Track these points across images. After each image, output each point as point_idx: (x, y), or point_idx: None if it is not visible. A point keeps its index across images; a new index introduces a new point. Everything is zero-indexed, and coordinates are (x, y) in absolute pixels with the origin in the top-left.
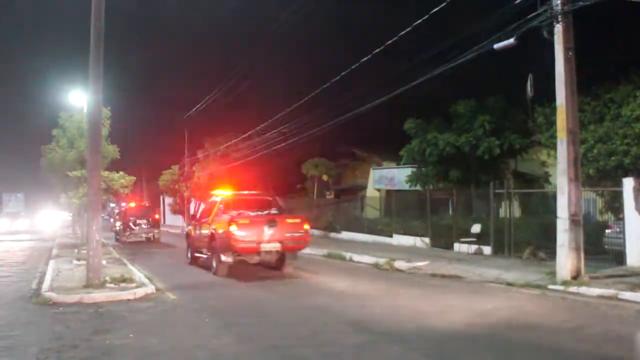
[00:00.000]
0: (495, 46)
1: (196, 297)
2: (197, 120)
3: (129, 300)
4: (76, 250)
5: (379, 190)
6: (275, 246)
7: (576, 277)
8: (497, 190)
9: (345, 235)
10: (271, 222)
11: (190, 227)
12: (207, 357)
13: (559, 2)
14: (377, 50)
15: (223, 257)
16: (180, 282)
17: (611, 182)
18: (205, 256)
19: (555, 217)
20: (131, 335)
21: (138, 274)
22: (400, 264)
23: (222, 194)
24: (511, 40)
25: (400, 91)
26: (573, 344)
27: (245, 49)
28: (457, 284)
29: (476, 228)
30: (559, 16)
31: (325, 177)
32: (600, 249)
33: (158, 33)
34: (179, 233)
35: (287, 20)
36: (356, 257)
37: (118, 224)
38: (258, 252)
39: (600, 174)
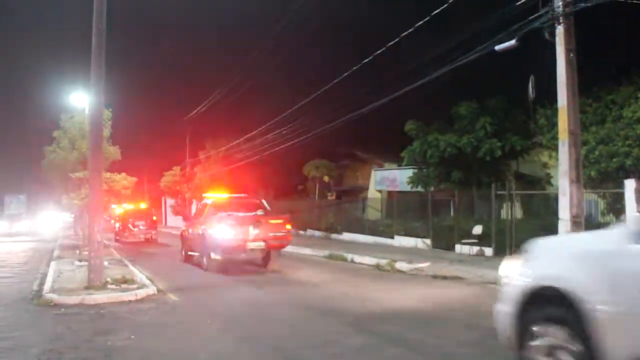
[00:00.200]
0: (497, 48)
1: (197, 298)
2: (198, 121)
3: (130, 301)
4: (78, 252)
5: (380, 191)
6: (260, 245)
7: None
8: (499, 192)
9: (347, 236)
10: (256, 223)
11: (184, 228)
12: (208, 359)
13: (560, 3)
14: (378, 52)
15: (213, 255)
16: (181, 283)
17: (613, 183)
18: (197, 254)
19: (557, 218)
20: (132, 337)
21: (139, 275)
22: (401, 265)
23: (213, 196)
24: (512, 42)
25: (401, 92)
26: None
27: (247, 50)
28: (458, 284)
29: (477, 229)
30: (561, 18)
31: (326, 179)
32: None
33: (160, 34)
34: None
35: (289, 21)
36: (357, 259)
37: (117, 224)
38: (244, 250)
39: (602, 176)
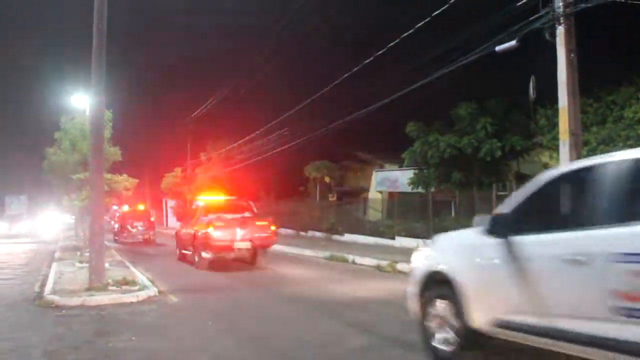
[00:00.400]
0: (497, 48)
1: (198, 300)
2: (199, 122)
3: (131, 303)
4: (79, 253)
5: (381, 192)
6: (247, 244)
7: None
8: (500, 193)
9: (348, 237)
10: (243, 224)
11: (179, 228)
12: None
13: (560, 4)
14: (379, 53)
15: (203, 254)
16: (182, 284)
17: None
18: (190, 252)
19: None
20: (133, 338)
21: (140, 276)
22: (402, 266)
23: (204, 199)
24: (513, 43)
25: (402, 93)
26: None
27: (248, 51)
28: None
29: None
30: (561, 18)
31: (327, 180)
32: None
33: (161, 35)
34: None
35: (289, 21)
36: (358, 260)
37: (116, 225)
38: (232, 250)
39: None
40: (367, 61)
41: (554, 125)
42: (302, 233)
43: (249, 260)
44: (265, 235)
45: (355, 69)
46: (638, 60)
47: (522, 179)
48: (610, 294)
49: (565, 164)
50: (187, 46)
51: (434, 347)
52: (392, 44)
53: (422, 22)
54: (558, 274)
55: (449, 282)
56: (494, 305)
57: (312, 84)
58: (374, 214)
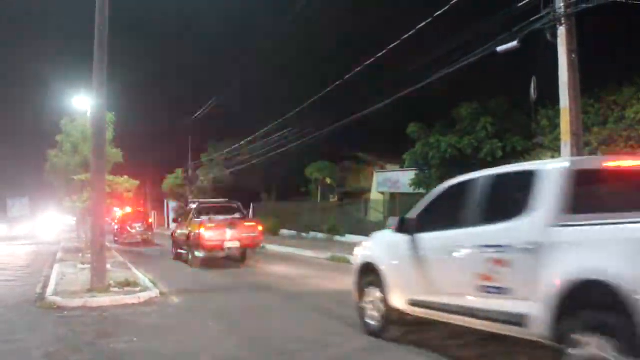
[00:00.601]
0: (498, 49)
1: (199, 301)
2: (201, 124)
3: (133, 304)
4: (81, 254)
5: (382, 193)
6: (236, 244)
7: None
8: None
9: (349, 238)
10: (232, 225)
11: (173, 229)
12: None
13: (562, 4)
14: (380, 54)
15: (196, 253)
16: (184, 285)
17: None
18: (184, 252)
19: None
20: (135, 339)
21: (142, 277)
22: None
23: (197, 201)
24: (514, 43)
25: (403, 94)
26: None
27: (250, 52)
28: None
29: None
30: (562, 19)
31: (328, 180)
32: None
33: (163, 36)
34: None
35: (290, 22)
36: None
37: (117, 226)
38: (222, 249)
39: None
40: (368, 62)
41: (555, 126)
42: (304, 234)
43: (239, 259)
44: (253, 235)
45: (357, 69)
46: (639, 61)
47: None
48: (475, 276)
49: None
50: (189, 47)
51: (367, 322)
52: (393, 44)
53: (424, 23)
54: (445, 262)
55: (376, 272)
56: (407, 288)
57: (313, 84)
58: (376, 214)
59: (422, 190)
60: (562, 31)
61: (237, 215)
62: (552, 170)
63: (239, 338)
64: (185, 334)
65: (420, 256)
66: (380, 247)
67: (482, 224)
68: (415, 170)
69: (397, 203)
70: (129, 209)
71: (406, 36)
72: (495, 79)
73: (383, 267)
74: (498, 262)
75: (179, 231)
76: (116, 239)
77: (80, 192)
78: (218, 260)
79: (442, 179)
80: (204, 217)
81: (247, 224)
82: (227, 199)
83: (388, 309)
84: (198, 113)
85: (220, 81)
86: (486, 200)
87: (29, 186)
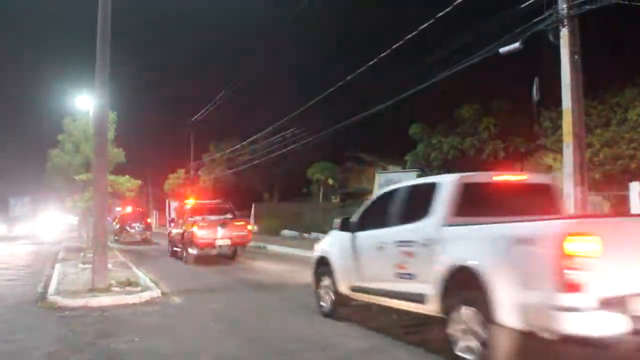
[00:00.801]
0: (501, 50)
1: (200, 301)
2: (203, 124)
3: (134, 304)
4: (82, 254)
5: None
6: (226, 242)
7: None
8: None
9: None
10: (223, 224)
11: (170, 228)
12: None
13: (564, 6)
14: (383, 54)
15: (190, 250)
16: (185, 285)
17: (617, 186)
18: (179, 249)
19: None
20: (136, 339)
21: (143, 277)
22: None
23: (192, 202)
24: (517, 44)
25: (405, 95)
26: None
27: (252, 52)
28: None
29: None
30: (565, 20)
31: (330, 181)
32: None
33: (165, 36)
34: None
35: (293, 22)
36: None
37: (117, 226)
38: (214, 246)
39: (607, 178)
40: (371, 63)
41: (557, 128)
42: (306, 235)
43: (230, 256)
44: (242, 233)
45: (359, 70)
46: None
47: None
48: (394, 265)
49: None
50: (191, 47)
51: (321, 305)
52: (396, 45)
53: (426, 24)
54: (374, 255)
55: (328, 264)
56: (349, 277)
57: (315, 85)
58: None
59: None
60: (564, 32)
61: (228, 216)
62: (446, 183)
63: (239, 338)
64: (186, 333)
65: (358, 250)
66: (331, 243)
67: (400, 224)
68: (417, 171)
69: None
70: (129, 209)
71: (408, 37)
72: (498, 81)
73: (332, 259)
74: (408, 254)
75: (174, 230)
76: (116, 238)
77: (82, 192)
78: (211, 257)
79: None
80: (197, 217)
81: (237, 223)
82: (219, 200)
83: (336, 294)
84: (200, 112)
85: (223, 81)
86: (403, 206)
87: (30, 186)
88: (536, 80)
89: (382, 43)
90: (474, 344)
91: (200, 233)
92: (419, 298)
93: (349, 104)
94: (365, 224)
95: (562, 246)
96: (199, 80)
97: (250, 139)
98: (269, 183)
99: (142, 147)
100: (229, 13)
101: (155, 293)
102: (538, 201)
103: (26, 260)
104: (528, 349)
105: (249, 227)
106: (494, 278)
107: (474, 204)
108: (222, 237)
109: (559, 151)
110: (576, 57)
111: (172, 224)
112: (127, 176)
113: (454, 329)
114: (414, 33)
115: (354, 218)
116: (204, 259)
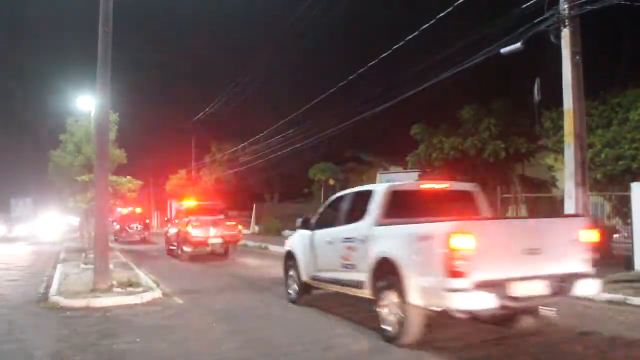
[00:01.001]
0: (503, 51)
1: (202, 302)
2: (204, 125)
3: (136, 304)
4: (84, 255)
5: None
6: (219, 240)
7: None
8: (504, 195)
9: None
10: (215, 224)
11: (167, 228)
12: None
13: (566, 6)
14: (384, 55)
15: (185, 248)
16: (186, 286)
17: (619, 186)
18: (175, 248)
19: None
20: (138, 340)
21: (145, 278)
22: None
23: (187, 203)
24: (518, 45)
25: (407, 96)
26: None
27: (253, 53)
28: None
29: None
30: (566, 21)
31: (332, 182)
32: (609, 254)
33: (167, 38)
34: None
35: (295, 22)
36: None
37: (117, 226)
38: (207, 245)
39: (608, 179)
40: (372, 63)
41: (559, 128)
42: None
43: (223, 254)
44: (233, 233)
45: (360, 71)
46: None
47: (526, 181)
48: (341, 258)
49: (339, 193)
50: (193, 48)
51: (289, 293)
52: (397, 46)
53: (428, 25)
54: (327, 249)
55: (294, 257)
56: (310, 268)
57: (317, 86)
58: None
59: None
60: (566, 33)
61: (220, 216)
62: (379, 191)
63: (241, 339)
64: (187, 334)
65: (315, 245)
66: (297, 239)
67: (346, 224)
68: (419, 171)
69: None
70: (131, 209)
71: (410, 37)
72: (500, 81)
73: (297, 253)
74: (351, 248)
75: (171, 230)
76: (116, 238)
77: (84, 193)
78: (207, 255)
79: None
80: (191, 217)
81: (228, 223)
82: (212, 202)
83: (300, 283)
84: (202, 113)
85: (225, 82)
86: (349, 209)
87: (32, 187)
88: (537, 80)
89: (383, 43)
90: (394, 319)
91: (194, 232)
92: (358, 284)
93: (351, 104)
94: (321, 223)
95: (448, 242)
96: (200, 81)
97: (252, 140)
98: (271, 184)
99: (144, 148)
100: (231, 13)
101: (157, 294)
102: (459, 205)
103: (28, 260)
104: (430, 323)
105: (240, 227)
106: (406, 267)
107: (402, 208)
108: (214, 236)
109: (561, 152)
110: (577, 57)
111: (170, 224)
112: (128, 177)
113: (381, 308)
114: (415, 33)
115: (313, 219)
116: (198, 257)
